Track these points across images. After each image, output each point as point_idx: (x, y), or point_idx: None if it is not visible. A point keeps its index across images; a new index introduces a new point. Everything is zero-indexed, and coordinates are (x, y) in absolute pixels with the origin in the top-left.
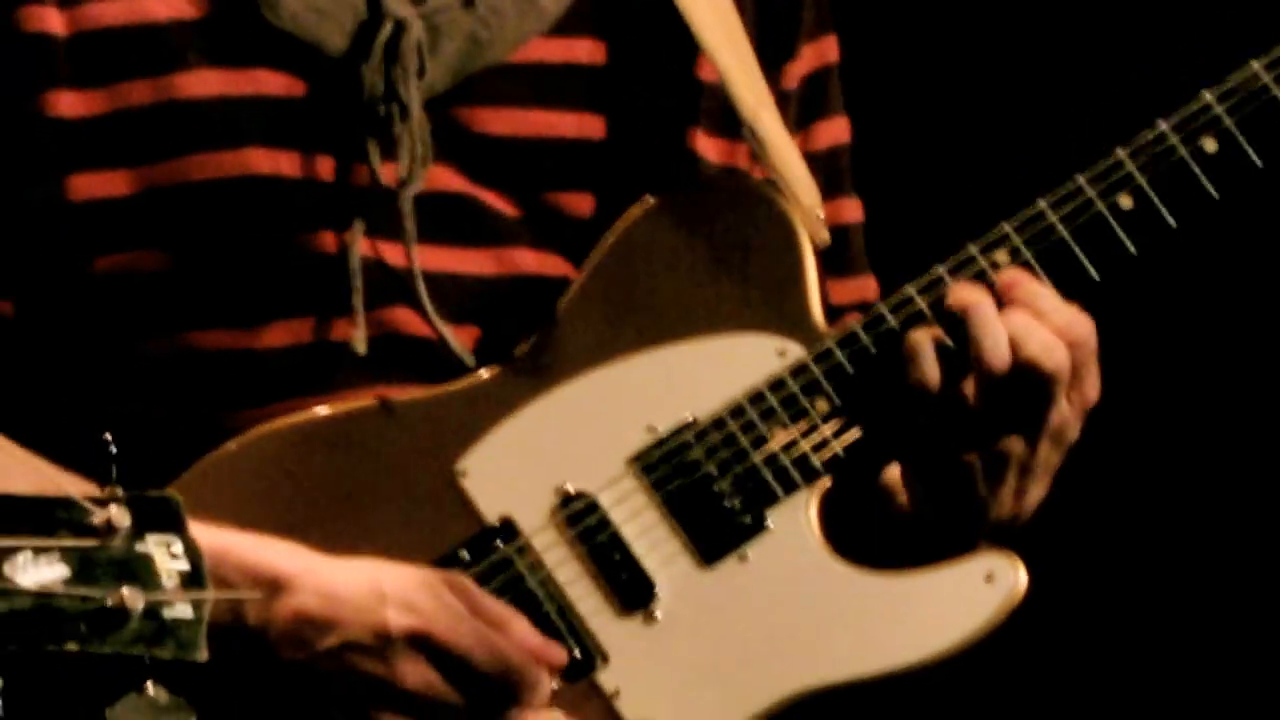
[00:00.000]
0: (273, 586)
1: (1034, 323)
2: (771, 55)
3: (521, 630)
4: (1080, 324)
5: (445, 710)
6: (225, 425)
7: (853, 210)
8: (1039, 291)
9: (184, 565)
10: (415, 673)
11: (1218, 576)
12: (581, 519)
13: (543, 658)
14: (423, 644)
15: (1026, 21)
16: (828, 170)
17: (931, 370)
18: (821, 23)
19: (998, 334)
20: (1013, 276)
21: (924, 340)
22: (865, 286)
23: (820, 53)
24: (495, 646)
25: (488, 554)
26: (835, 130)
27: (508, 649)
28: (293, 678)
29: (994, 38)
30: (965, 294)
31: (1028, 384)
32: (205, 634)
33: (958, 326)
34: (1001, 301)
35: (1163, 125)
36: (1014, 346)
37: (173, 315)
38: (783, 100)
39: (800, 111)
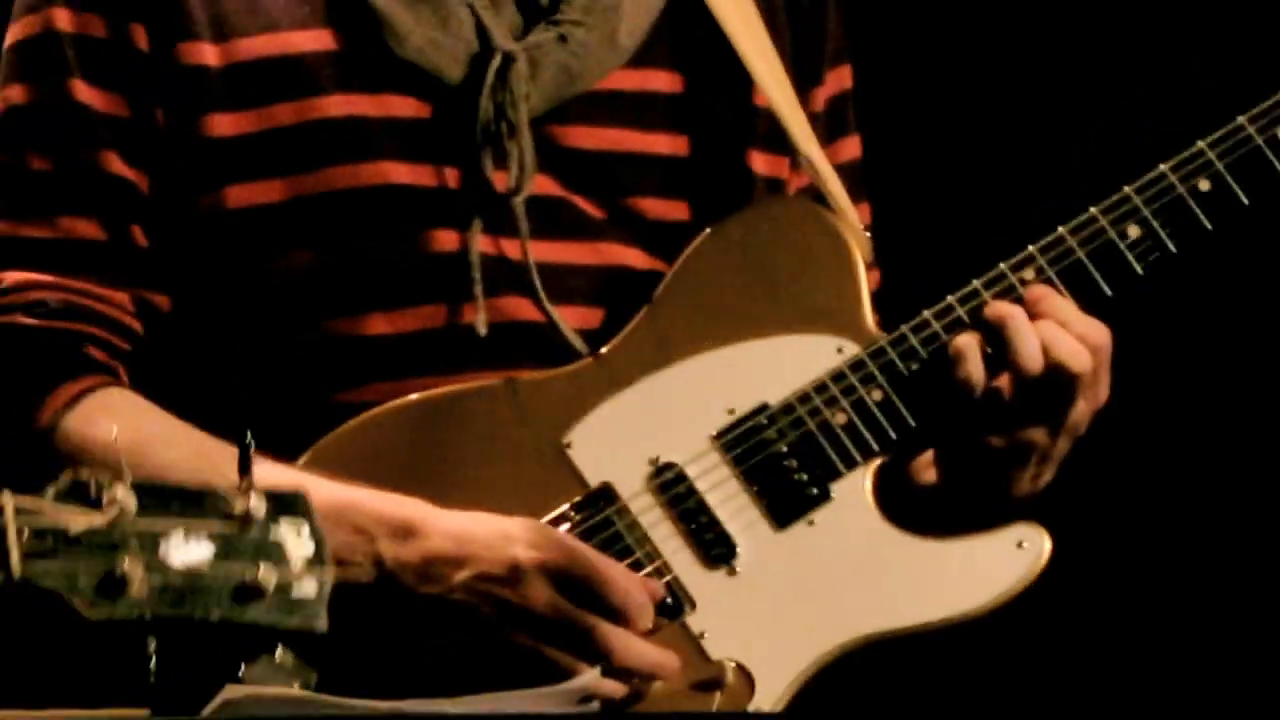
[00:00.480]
0: (404, 532)
1: (1061, 330)
2: (802, 81)
3: (620, 569)
4: (1100, 332)
5: (568, 628)
6: (362, 400)
7: (866, 213)
8: (1062, 304)
9: (310, 549)
10: (542, 596)
11: (1212, 559)
12: (672, 487)
13: (644, 587)
14: (548, 572)
15: (1051, 71)
16: (848, 180)
17: (977, 369)
18: (840, 53)
19: (1032, 340)
20: (1040, 291)
21: (970, 343)
22: (873, 275)
23: (840, 79)
24: (607, 574)
25: (592, 514)
26: (852, 146)
27: (618, 577)
28: (430, 609)
29: (1026, 88)
30: (1002, 307)
31: (1055, 384)
32: (325, 609)
33: (995, 334)
34: (1031, 313)
35: (1163, 167)
36: (1044, 351)
37: (316, 305)
38: (812, 120)
39: (826, 130)
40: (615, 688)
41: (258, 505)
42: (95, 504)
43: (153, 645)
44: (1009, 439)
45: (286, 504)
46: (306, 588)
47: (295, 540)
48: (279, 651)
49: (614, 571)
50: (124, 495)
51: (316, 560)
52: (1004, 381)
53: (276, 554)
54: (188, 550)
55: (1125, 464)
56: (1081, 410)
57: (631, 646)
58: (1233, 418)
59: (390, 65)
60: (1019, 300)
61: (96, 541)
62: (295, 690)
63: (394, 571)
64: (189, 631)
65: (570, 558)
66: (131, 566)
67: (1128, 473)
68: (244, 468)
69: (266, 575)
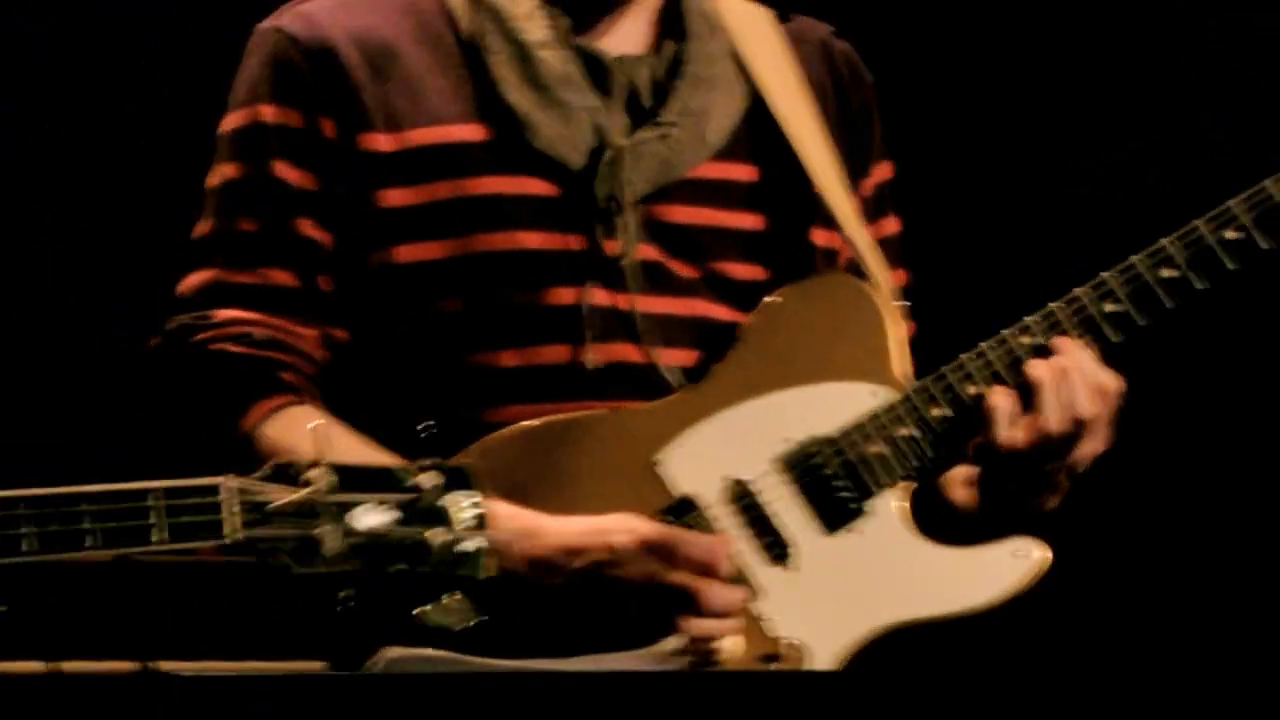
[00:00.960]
0: (529, 534)
1: (1081, 384)
2: (853, 172)
3: (696, 534)
4: (1115, 382)
5: (663, 587)
6: (498, 419)
7: (903, 277)
8: (1085, 354)
9: (472, 514)
10: (641, 568)
11: (1189, 569)
12: (741, 499)
13: (718, 542)
14: (641, 548)
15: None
16: (889, 252)
17: (1005, 432)
18: (882, 151)
19: (1055, 403)
20: (1067, 343)
21: (1003, 406)
22: (909, 326)
23: (882, 171)
24: (686, 538)
25: (676, 520)
26: (892, 224)
27: (696, 538)
28: (556, 591)
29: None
30: (1039, 369)
31: (1070, 432)
32: (484, 560)
33: (1028, 389)
34: (1056, 351)
35: (1134, 258)
36: (1065, 398)
37: (463, 341)
38: (861, 202)
39: (872, 211)
40: (701, 626)
41: (430, 480)
42: (295, 483)
43: (344, 595)
44: (1023, 475)
45: (455, 478)
46: (468, 545)
47: (460, 508)
48: (448, 596)
49: (691, 535)
50: (319, 474)
51: (477, 524)
52: (1025, 432)
53: (445, 519)
54: (373, 516)
55: (1110, 488)
56: (1086, 450)
57: (714, 590)
58: (1205, 452)
59: (526, 154)
60: (1040, 349)
61: (297, 512)
62: (442, 653)
63: (521, 566)
64: (375, 581)
65: (656, 532)
66: (324, 531)
67: (1111, 496)
68: (420, 451)
69: (436, 535)
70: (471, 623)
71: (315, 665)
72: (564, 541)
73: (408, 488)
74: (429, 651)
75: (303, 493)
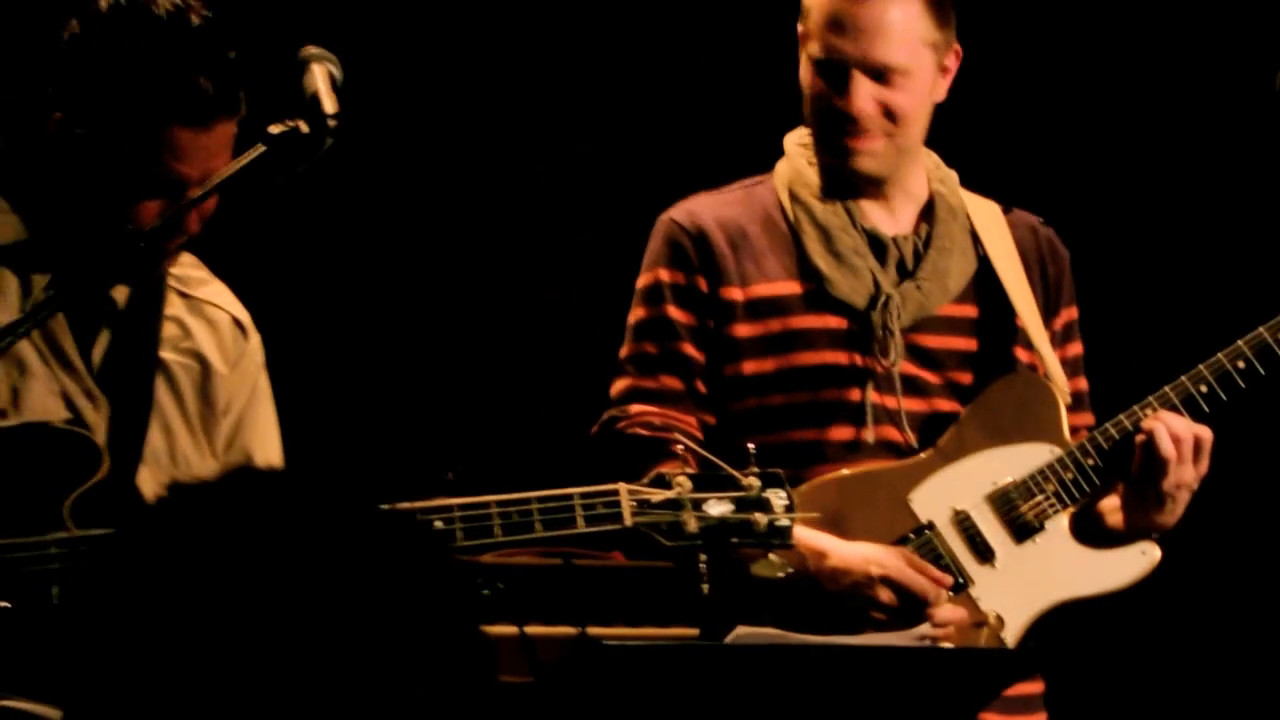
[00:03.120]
0: (821, 554)
1: (1183, 432)
2: (1048, 313)
3: (921, 579)
4: (1207, 432)
5: (901, 609)
6: (806, 475)
7: (1082, 385)
8: (1184, 419)
9: (784, 502)
10: (886, 592)
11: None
12: (963, 522)
13: (942, 582)
14: (886, 580)
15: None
16: (1072, 368)
17: (1150, 458)
18: (1072, 299)
19: (1167, 437)
20: (1167, 415)
21: (1141, 441)
22: (1087, 418)
23: (1070, 312)
24: (916, 579)
25: (920, 537)
26: (1076, 348)
27: (922, 581)
28: (832, 597)
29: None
30: (1151, 421)
31: (1183, 454)
32: (791, 534)
33: (1149, 434)
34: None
35: (1220, 355)
36: (1175, 442)
37: (785, 422)
38: (1051, 333)
39: (1059, 340)
40: (938, 633)
41: (755, 481)
42: (668, 487)
43: (703, 561)
44: (1156, 492)
45: (771, 479)
46: (783, 522)
47: (776, 498)
48: (771, 555)
49: (920, 578)
50: (682, 481)
51: (788, 509)
52: (1152, 461)
53: (766, 506)
54: (718, 507)
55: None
56: (1193, 476)
57: (937, 612)
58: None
59: (827, 299)
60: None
61: (668, 505)
62: (774, 631)
63: (814, 576)
64: (722, 550)
65: (898, 570)
66: (687, 517)
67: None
68: (745, 464)
69: (760, 517)
70: (782, 574)
71: (691, 632)
72: (840, 564)
73: (740, 488)
74: (765, 630)
75: (671, 493)
